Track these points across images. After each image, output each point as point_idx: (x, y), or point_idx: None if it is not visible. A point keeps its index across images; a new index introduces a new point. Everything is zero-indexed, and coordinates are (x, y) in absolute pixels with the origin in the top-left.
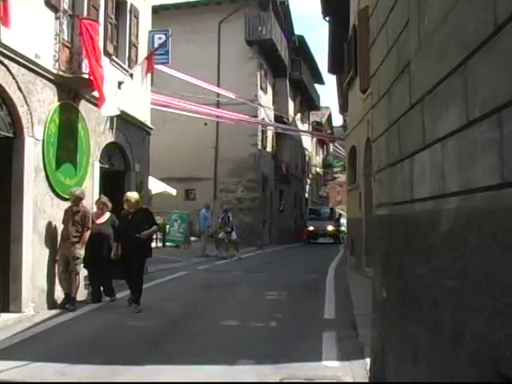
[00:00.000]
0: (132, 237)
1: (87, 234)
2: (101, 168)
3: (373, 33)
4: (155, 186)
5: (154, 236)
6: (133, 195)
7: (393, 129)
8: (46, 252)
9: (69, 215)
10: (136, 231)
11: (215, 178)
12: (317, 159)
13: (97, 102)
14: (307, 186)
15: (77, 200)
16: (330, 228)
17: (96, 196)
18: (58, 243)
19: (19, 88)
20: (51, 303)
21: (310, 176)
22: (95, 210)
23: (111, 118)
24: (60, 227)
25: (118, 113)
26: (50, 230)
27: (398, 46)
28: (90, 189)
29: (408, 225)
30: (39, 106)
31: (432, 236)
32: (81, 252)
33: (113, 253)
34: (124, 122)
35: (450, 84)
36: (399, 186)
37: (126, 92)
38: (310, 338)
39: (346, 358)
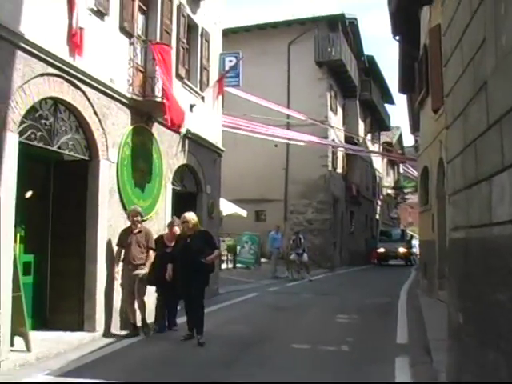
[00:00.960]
0: (192, 261)
1: (152, 254)
2: (173, 190)
3: (446, 51)
4: (226, 207)
5: (224, 257)
6: (192, 216)
7: (469, 149)
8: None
9: (128, 237)
10: (197, 255)
11: (285, 199)
12: (387, 180)
13: (169, 124)
14: (378, 208)
15: (138, 216)
16: (402, 250)
17: (168, 217)
18: (120, 266)
19: (95, 112)
20: (123, 323)
21: (381, 197)
22: (167, 231)
23: (183, 140)
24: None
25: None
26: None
27: (473, 64)
28: (163, 210)
29: (486, 248)
30: (114, 129)
31: None
32: (145, 272)
33: (167, 274)
34: (196, 144)
35: None
36: (476, 209)
37: (197, 114)
38: (382, 362)
39: None
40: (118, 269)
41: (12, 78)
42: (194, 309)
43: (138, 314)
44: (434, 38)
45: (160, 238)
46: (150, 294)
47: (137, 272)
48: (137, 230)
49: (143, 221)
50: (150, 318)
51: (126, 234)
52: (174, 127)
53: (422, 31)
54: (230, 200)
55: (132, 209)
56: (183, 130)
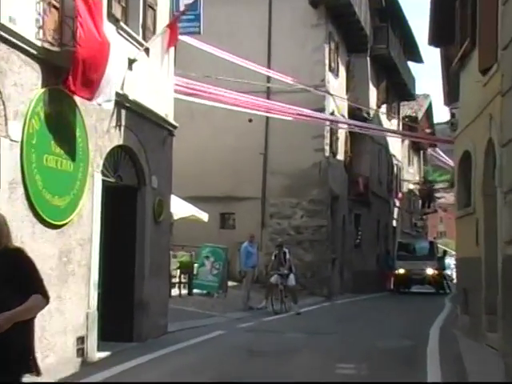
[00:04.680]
0: None
1: None
2: (104, 182)
3: None
4: (179, 208)
5: (177, 280)
6: None
7: None
8: None
9: None
10: None
11: (263, 197)
12: (410, 171)
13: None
14: (396, 210)
15: None
16: (430, 271)
17: (97, 221)
18: None
19: None
20: None
21: (400, 196)
22: None
23: (119, 112)
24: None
25: (111, 105)
26: None
27: None
28: (89, 211)
29: None
30: (16, 93)
31: None
32: None
33: None
34: (137, 116)
35: None
36: None
37: (139, 74)
38: None
39: None
40: None
41: None
42: None
43: None
44: None
45: None
46: None
47: None
48: None
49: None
50: None
51: None
52: (77, 93)
53: None
54: (185, 198)
55: None
56: (102, 102)
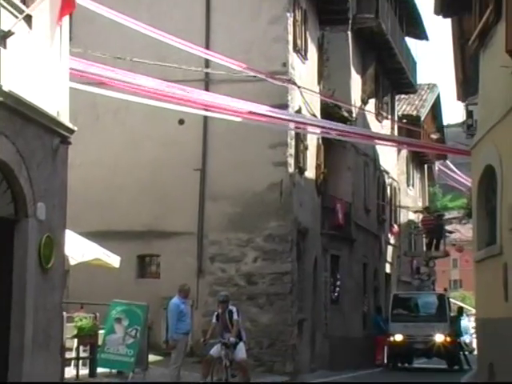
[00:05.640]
0: None
1: None
2: None
3: None
4: (77, 249)
5: (74, 354)
6: None
7: None
8: None
9: None
10: None
11: (200, 232)
12: (409, 194)
13: None
14: (389, 250)
15: None
16: (440, 338)
17: None
18: None
19: None
20: None
21: (396, 228)
22: None
23: None
24: None
25: None
26: None
27: None
28: None
29: None
30: None
31: None
32: None
33: None
34: (14, 116)
35: None
36: None
37: (17, 54)
38: None
39: None
40: None
41: None
42: None
43: None
44: None
45: None
46: None
47: None
48: None
49: None
50: None
51: None
52: None
53: None
54: (87, 234)
55: None
56: None
